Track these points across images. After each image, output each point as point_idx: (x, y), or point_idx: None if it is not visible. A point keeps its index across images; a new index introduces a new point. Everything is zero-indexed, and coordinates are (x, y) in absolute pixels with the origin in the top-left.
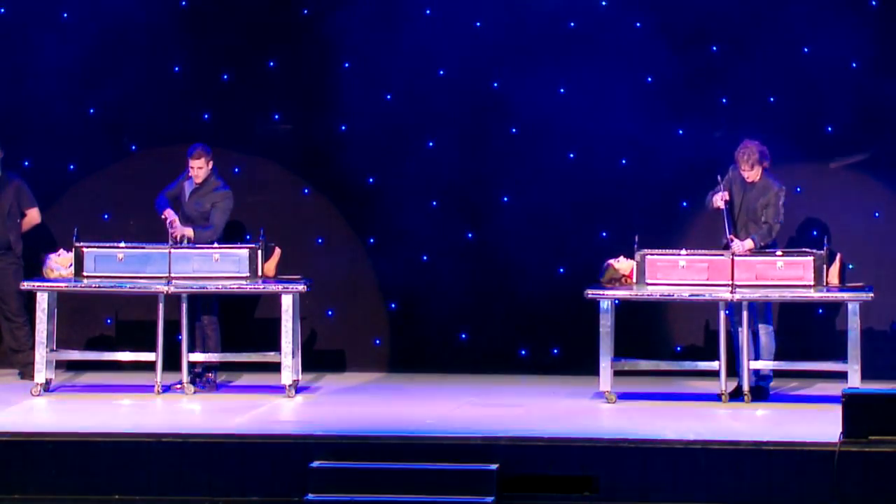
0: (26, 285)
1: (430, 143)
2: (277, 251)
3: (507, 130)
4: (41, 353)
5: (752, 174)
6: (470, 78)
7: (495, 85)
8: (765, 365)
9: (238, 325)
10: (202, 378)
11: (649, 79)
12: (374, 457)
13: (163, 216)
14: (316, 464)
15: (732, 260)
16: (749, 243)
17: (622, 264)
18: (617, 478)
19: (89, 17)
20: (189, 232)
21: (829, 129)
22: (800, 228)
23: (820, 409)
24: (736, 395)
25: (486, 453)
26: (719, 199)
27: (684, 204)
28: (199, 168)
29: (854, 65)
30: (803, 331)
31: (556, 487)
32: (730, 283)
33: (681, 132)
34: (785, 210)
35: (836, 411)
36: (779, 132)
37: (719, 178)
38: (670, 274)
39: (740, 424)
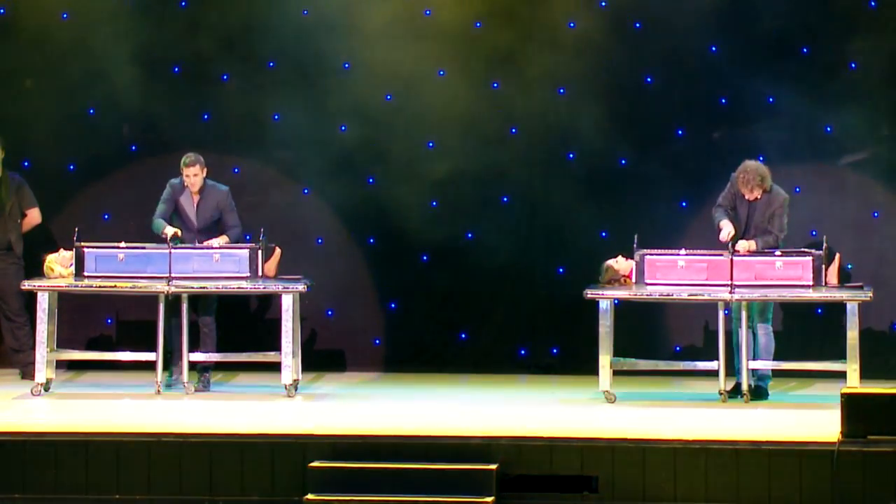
0: (27, 285)
1: (430, 144)
2: (277, 251)
3: (507, 130)
4: (42, 353)
5: (753, 196)
6: (470, 78)
7: (495, 85)
8: (764, 365)
9: (238, 325)
10: (200, 378)
11: (649, 79)
12: (374, 457)
13: (167, 234)
14: (316, 463)
15: (731, 260)
16: (752, 245)
17: (621, 265)
18: (616, 477)
19: (89, 17)
20: (224, 240)
21: (829, 129)
22: (799, 228)
23: (819, 409)
24: (734, 394)
25: (486, 453)
26: (725, 235)
27: (684, 204)
28: (195, 175)
29: (853, 65)
30: (803, 331)
31: (555, 487)
32: (729, 283)
33: (680, 132)
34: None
35: (835, 411)
36: (779, 132)
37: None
38: (669, 274)
39: (740, 424)
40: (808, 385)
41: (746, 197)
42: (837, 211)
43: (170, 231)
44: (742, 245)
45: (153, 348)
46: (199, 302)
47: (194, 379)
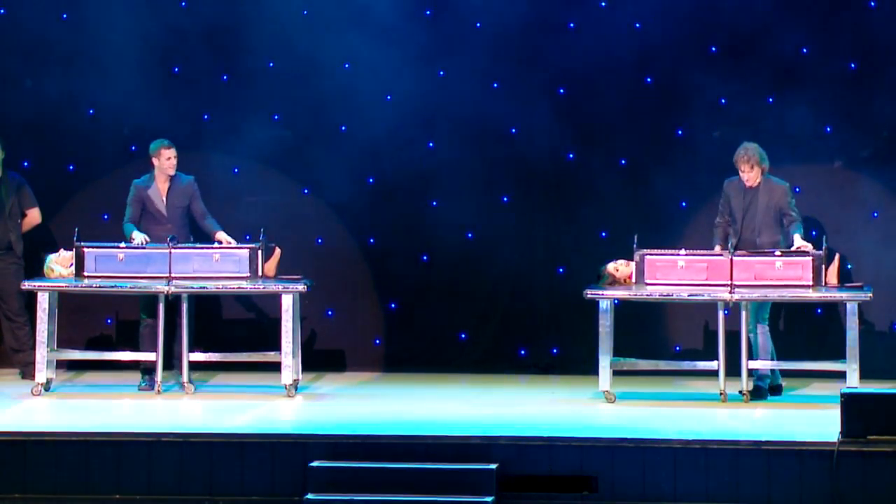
0: (27, 285)
1: (430, 144)
2: (277, 251)
3: (507, 130)
4: (42, 353)
5: (752, 176)
6: (470, 78)
7: (495, 85)
8: (763, 365)
9: (238, 325)
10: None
11: (649, 79)
12: (374, 457)
13: (135, 241)
14: (316, 463)
15: (731, 260)
16: (808, 245)
17: (622, 272)
18: (616, 477)
19: (89, 17)
20: (224, 237)
21: (829, 129)
22: None
23: (819, 409)
24: (756, 395)
25: (486, 453)
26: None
27: (683, 204)
28: (175, 157)
29: (853, 65)
30: (802, 331)
31: (555, 487)
32: (729, 283)
33: (680, 132)
34: None
35: (834, 411)
36: (779, 132)
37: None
38: (669, 274)
39: (739, 424)
40: (808, 385)
41: (746, 177)
42: (837, 211)
43: (137, 237)
44: (805, 244)
45: (153, 348)
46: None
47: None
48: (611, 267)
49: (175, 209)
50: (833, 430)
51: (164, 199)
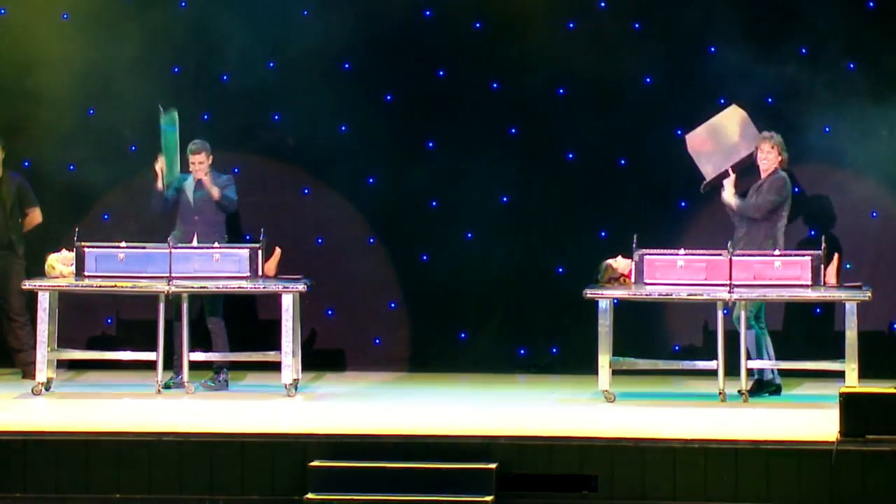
0: (28, 285)
1: (430, 144)
2: (277, 251)
3: (506, 130)
4: (42, 353)
5: (770, 159)
6: (470, 78)
7: (495, 85)
8: (762, 364)
9: (238, 325)
10: (217, 379)
11: (648, 79)
12: (374, 456)
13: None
14: (315, 463)
15: (730, 260)
16: (733, 195)
17: (620, 264)
18: (615, 477)
19: (89, 18)
20: (215, 191)
21: (828, 129)
22: (799, 228)
23: (817, 409)
24: (754, 392)
25: (485, 452)
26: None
27: (683, 204)
28: (201, 163)
29: (852, 65)
30: (802, 331)
31: (554, 486)
32: (728, 282)
33: (680, 132)
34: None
35: (833, 410)
36: (778, 132)
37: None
38: (668, 274)
39: (738, 424)
40: (807, 385)
41: (762, 154)
42: (837, 211)
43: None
44: (727, 186)
45: (153, 348)
46: (204, 303)
47: (206, 379)
48: (609, 260)
49: (203, 202)
50: (832, 429)
51: (192, 197)
